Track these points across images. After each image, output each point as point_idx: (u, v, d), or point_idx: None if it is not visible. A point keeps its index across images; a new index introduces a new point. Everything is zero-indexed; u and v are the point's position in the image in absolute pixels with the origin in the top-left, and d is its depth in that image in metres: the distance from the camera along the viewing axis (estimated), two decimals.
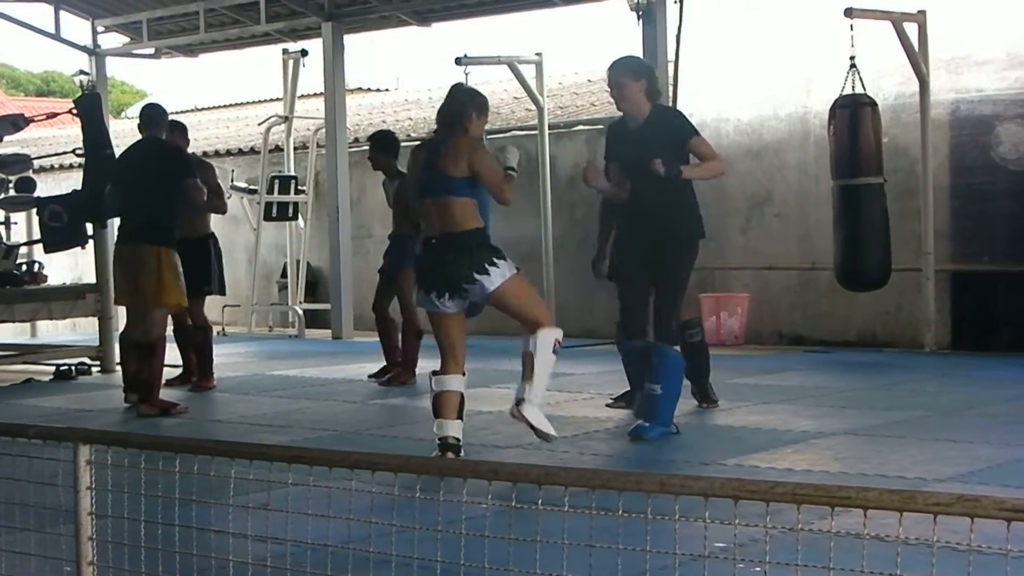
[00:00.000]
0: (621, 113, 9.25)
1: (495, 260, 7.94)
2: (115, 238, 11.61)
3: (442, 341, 8.14)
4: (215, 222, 12.98)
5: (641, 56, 15.49)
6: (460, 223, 7.95)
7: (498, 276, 7.92)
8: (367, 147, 13.74)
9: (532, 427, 8.12)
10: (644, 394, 9.10)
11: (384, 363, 12.85)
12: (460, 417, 8.09)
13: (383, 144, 12.71)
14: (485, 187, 8.12)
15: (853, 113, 13.79)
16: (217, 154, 22.48)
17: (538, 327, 8.03)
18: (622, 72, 9.09)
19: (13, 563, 5.18)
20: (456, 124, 8.13)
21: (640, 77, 9.03)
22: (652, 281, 9.01)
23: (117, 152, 12.97)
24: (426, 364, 12.94)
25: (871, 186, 13.81)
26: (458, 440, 8.00)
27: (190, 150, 13.19)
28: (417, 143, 8.57)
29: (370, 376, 12.86)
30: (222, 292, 13.12)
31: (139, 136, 11.63)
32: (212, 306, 13.21)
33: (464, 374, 8.18)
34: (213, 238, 12.74)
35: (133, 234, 11.17)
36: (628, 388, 9.95)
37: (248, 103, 31.14)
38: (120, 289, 11.38)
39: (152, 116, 11.56)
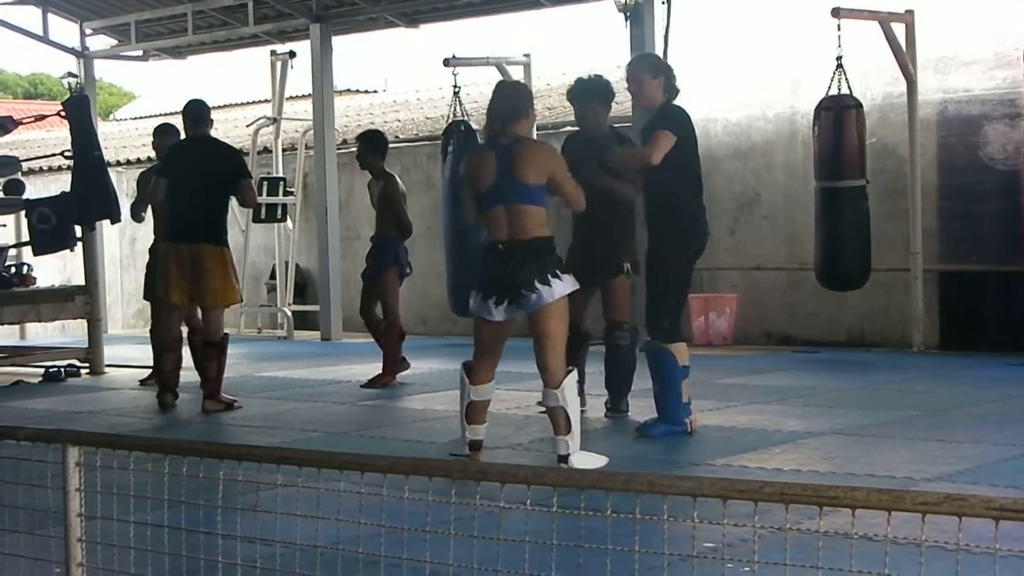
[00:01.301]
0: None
1: (559, 273, 7.81)
2: (165, 235, 11.57)
3: (484, 347, 8.02)
4: None
5: (629, 56, 15.56)
6: (531, 230, 7.79)
7: (557, 290, 7.77)
8: (355, 148, 13.66)
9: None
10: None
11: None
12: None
13: (373, 144, 12.65)
14: (562, 195, 8.00)
15: (837, 115, 13.79)
16: None
17: (556, 377, 7.82)
18: (640, 68, 9.22)
19: (3, 565, 5.18)
20: (510, 122, 7.95)
21: (659, 74, 9.10)
22: (645, 279, 9.13)
23: (105, 154, 12.95)
24: (414, 364, 13.00)
25: (853, 188, 13.81)
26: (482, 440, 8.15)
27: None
28: (476, 149, 8.27)
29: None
30: None
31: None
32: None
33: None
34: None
35: (192, 232, 11.15)
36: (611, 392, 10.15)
37: (236, 105, 31.12)
38: (175, 287, 11.19)
39: (198, 113, 11.50)
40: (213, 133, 11.95)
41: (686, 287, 9.19)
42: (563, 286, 7.79)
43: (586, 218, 9.22)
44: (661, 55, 16.35)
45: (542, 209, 7.85)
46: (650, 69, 9.17)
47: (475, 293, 7.97)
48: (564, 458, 7.82)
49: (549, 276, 7.74)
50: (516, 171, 7.78)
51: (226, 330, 11.46)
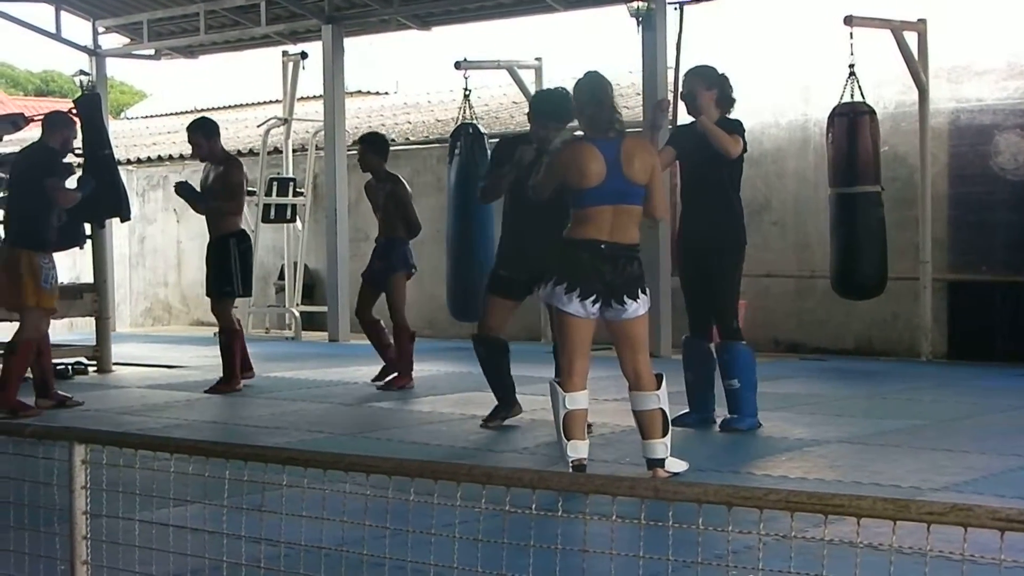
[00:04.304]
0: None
1: (646, 286, 7.65)
2: None
3: (574, 349, 7.57)
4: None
5: (641, 62, 15.59)
6: (633, 234, 7.58)
7: (645, 304, 7.60)
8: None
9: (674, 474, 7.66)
10: (724, 391, 9.45)
11: (383, 364, 12.80)
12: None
13: (376, 146, 12.62)
14: (652, 197, 7.67)
15: (851, 121, 13.82)
16: None
17: (652, 381, 7.61)
18: (696, 81, 9.38)
19: (7, 562, 5.18)
20: (615, 121, 7.67)
21: (712, 87, 9.31)
22: (709, 282, 9.40)
23: (116, 153, 12.93)
24: (420, 367, 12.99)
25: (868, 194, 13.84)
26: (586, 460, 7.62)
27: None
28: (571, 141, 8.03)
29: (373, 381, 12.76)
30: (246, 293, 13.04)
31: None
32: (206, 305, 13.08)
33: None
34: (237, 236, 12.56)
35: (8, 237, 11.36)
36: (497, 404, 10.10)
37: (247, 105, 31.13)
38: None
39: (50, 122, 11.55)
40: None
41: (739, 288, 9.67)
42: (647, 300, 7.63)
43: (524, 228, 9.24)
44: (673, 61, 16.38)
45: (642, 210, 7.65)
46: (704, 81, 9.35)
47: (558, 286, 7.53)
48: (659, 462, 7.60)
49: (639, 290, 7.58)
50: (628, 170, 7.52)
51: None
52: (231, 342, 12.51)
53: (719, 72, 9.48)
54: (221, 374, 12.58)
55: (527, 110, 9.79)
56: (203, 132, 12.54)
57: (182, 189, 12.63)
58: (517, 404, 9.98)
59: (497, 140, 10.00)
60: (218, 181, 12.39)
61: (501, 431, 9.69)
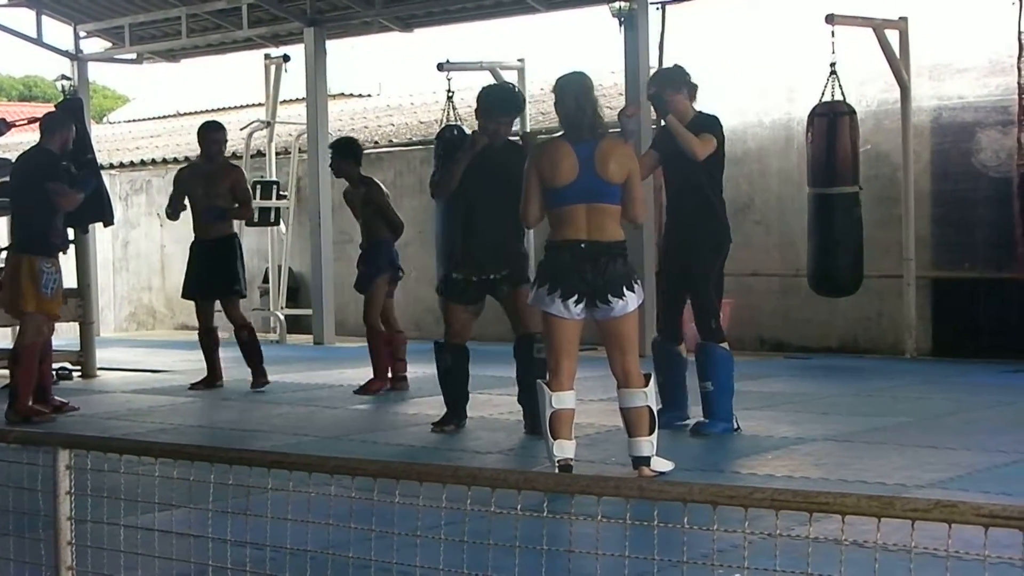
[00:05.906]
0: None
1: (635, 282, 7.58)
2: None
3: (559, 350, 7.57)
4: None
5: (624, 62, 15.57)
6: (613, 232, 7.54)
7: (634, 301, 7.55)
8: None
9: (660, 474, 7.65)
10: (699, 392, 9.40)
11: (391, 374, 12.61)
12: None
13: (347, 151, 12.54)
14: (630, 197, 7.60)
15: (831, 122, 13.84)
16: None
17: (640, 379, 7.58)
18: (661, 86, 9.29)
19: None
20: (597, 124, 7.65)
21: (679, 88, 9.22)
22: (685, 282, 9.36)
23: (99, 157, 12.89)
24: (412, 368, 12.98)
25: (846, 195, 13.85)
26: (572, 461, 7.62)
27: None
28: (544, 140, 7.95)
29: (356, 392, 12.52)
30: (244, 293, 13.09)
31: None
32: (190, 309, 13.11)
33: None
34: (237, 237, 12.75)
35: (12, 243, 11.37)
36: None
37: (230, 108, 31.08)
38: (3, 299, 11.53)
39: (48, 124, 11.44)
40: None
41: (721, 289, 9.55)
42: (638, 296, 7.57)
43: (475, 224, 9.22)
44: (655, 61, 16.38)
45: (619, 208, 7.60)
46: (670, 85, 9.26)
47: (541, 288, 7.55)
48: (645, 460, 7.59)
49: (633, 282, 7.55)
50: (601, 169, 7.49)
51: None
52: (253, 338, 12.86)
53: (684, 71, 9.42)
54: (205, 375, 12.70)
55: (475, 107, 9.67)
56: (224, 134, 13.00)
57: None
58: (465, 417, 9.88)
59: (439, 136, 9.93)
60: (224, 186, 12.53)
61: (491, 433, 9.67)
